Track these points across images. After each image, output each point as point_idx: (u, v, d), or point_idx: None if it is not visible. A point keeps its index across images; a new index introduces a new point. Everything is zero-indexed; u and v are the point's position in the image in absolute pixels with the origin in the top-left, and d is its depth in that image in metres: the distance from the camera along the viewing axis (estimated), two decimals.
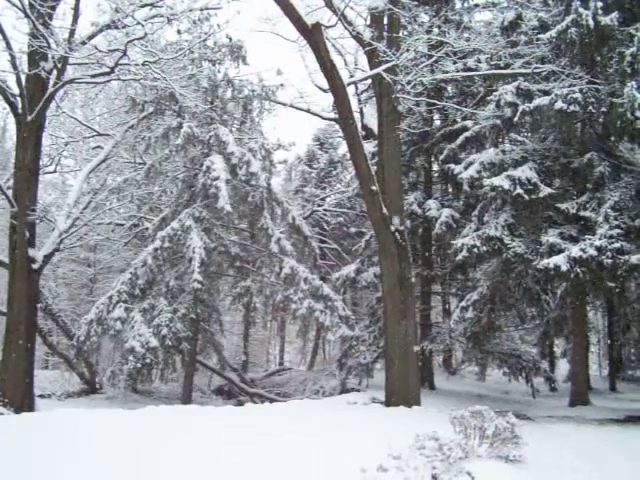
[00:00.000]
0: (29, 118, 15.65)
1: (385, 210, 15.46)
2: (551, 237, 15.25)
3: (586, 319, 22.06)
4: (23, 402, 15.17)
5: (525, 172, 15.84)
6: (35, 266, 16.08)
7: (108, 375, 19.36)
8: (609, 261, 13.86)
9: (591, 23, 14.72)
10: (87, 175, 19.15)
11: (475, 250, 16.30)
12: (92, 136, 20.95)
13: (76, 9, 15.00)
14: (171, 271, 19.84)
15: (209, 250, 19.17)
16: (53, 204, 22.33)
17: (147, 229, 21.59)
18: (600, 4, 14.84)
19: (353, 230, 29.57)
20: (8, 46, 14.87)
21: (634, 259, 13.64)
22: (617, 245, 13.87)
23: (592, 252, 14.01)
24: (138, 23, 14.77)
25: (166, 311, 18.48)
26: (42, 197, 22.39)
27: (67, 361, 23.62)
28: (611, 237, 14.04)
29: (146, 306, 18.69)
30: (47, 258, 16.81)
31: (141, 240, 23.46)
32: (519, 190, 15.53)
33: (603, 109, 14.95)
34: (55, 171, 22.70)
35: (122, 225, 23.65)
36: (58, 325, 23.29)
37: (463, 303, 19.36)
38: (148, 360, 17.62)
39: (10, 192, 16.54)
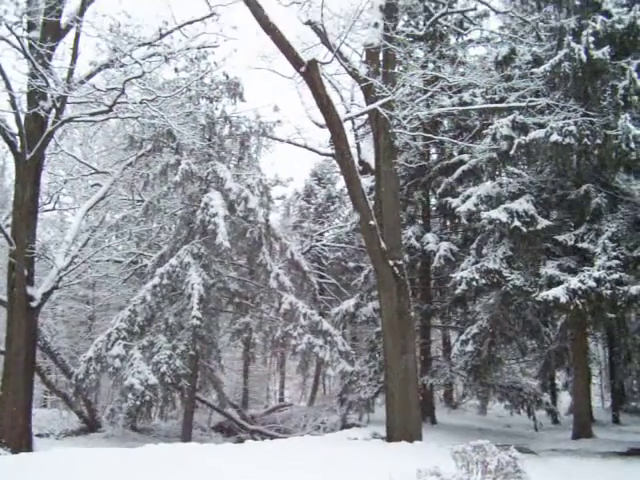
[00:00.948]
0: (28, 156, 15.74)
1: (383, 244, 15.48)
2: (550, 269, 15.27)
3: (587, 350, 21.93)
4: (21, 441, 15.01)
5: (522, 204, 15.91)
6: (34, 304, 16.02)
7: (107, 413, 19.24)
8: (608, 292, 13.88)
9: (583, 57, 14.87)
10: (86, 212, 19.16)
11: (474, 283, 16.32)
12: (91, 174, 21.08)
13: (75, 49, 15.24)
14: (170, 308, 19.80)
15: (208, 286, 19.16)
16: (52, 242, 22.37)
17: (146, 266, 21.59)
18: (592, 38, 15.00)
19: (352, 265, 29.55)
20: (8, 86, 15.03)
21: (633, 290, 13.64)
22: (616, 276, 13.90)
23: (591, 283, 14.03)
24: (136, 62, 14.95)
25: (165, 348, 18.40)
26: (41, 235, 22.41)
27: (65, 399, 23.43)
28: (610, 268, 14.06)
29: (145, 343, 18.63)
30: (46, 296, 16.75)
31: (140, 277, 23.43)
32: (517, 223, 15.58)
33: (598, 141, 15.03)
34: (54, 209, 22.83)
35: (121, 262, 23.67)
36: (56, 363, 23.12)
37: (463, 336, 19.34)
38: (147, 397, 17.49)
39: (9, 230, 16.56)
